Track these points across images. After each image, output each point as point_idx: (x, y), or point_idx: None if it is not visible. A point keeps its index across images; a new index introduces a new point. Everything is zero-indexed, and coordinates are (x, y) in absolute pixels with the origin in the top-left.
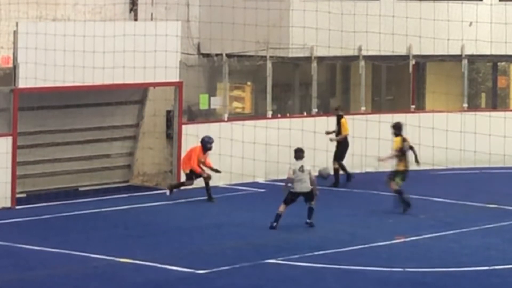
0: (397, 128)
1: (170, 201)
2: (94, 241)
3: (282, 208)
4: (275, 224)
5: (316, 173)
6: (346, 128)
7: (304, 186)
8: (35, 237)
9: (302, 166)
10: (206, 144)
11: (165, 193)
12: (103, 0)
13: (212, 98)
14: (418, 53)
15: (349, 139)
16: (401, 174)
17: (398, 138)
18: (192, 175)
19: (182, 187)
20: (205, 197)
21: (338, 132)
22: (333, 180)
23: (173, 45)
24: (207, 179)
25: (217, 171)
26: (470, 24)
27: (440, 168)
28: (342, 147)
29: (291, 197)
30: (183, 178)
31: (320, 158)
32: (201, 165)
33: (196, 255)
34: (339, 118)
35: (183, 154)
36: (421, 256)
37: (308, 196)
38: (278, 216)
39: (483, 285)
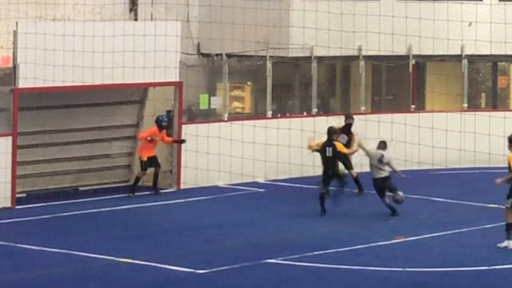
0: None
1: (170, 201)
2: (94, 241)
3: (386, 201)
4: (396, 213)
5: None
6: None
7: (381, 172)
8: (35, 237)
9: (382, 156)
10: (160, 122)
11: (161, 193)
12: (103, 0)
13: (212, 98)
14: (418, 53)
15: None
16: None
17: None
18: (146, 164)
19: (138, 182)
20: (153, 191)
21: (349, 142)
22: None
23: (173, 45)
24: (157, 169)
25: (182, 141)
26: (470, 24)
27: (440, 168)
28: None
29: (377, 187)
30: (184, 176)
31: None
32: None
33: (196, 255)
34: (349, 127)
35: (182, 154)
36: (421, 256)
37: (387, 184)
38: (390, 207)
39: (483, 285)
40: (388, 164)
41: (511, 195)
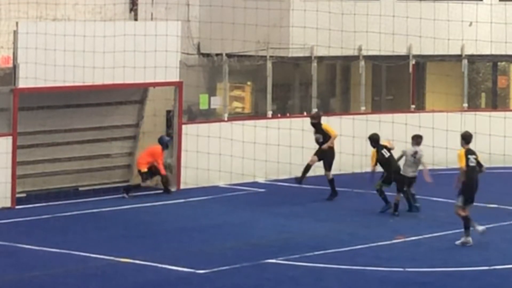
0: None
1: (170, 201)
2: (94, 241)
3: (397, 196)
4: (396, 213)
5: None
6: (332, 130)
7: (413, 172)
8: (35, 237)
9: (415, 153)
10: (167, 143)
11: (144, 186)
12: (103, 0)
13: (212, 98)
14: (418, 53)
15: (350, 139)
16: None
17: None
18: (148, 175)
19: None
20: (162, 191)
21: (324, 138)
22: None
23: (173, 45)
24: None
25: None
26: (470, 24)
27: (440, 168)
28: (331, 154)
29: (400, 179)
30: (185, 176)
31: None
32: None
33: (196, 255)
34: (317, 125)
35: (183, 154)
36: (421, 256)
37: (411, 183)
38: (396, 205)
39: (483, 285)
40: (419, 160)
41: (460, 193)
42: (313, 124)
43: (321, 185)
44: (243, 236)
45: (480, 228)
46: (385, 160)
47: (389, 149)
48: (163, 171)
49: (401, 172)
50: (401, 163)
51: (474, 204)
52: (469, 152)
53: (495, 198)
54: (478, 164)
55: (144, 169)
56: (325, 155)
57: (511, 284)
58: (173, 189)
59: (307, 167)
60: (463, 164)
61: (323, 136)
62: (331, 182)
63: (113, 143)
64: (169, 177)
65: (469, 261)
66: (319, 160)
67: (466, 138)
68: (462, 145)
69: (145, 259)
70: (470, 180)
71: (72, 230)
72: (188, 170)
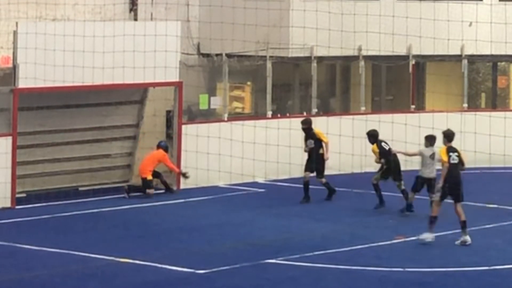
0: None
1: (170, 201)
2: (94, 241)
3: (411, 195)
4: (408, 213)
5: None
6: (324, 136)
7: (431, 172)
8: (35, 237)
9: (433, 154)
10: (165, 147)
11: (150, 194)
12: (103, 0)
13: (212, 98)
14: (418, 53)
15: (349, 139)
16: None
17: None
18: (152, 183)
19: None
20: (164, 190)
21: (316, 144)
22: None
23: (173, 45)
24: (161, 177)
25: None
26: (470, 24)
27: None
28: (322, 161)
29: (419, 182)
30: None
31: None
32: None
33: (196, 255)
34: (308, 131)
35: (182, 154)
36: (421, 256)
37: (432, 185)
38: (409, 206)
39: (483, 285)
40: (438, 161)
41: (439, 189)
42: (303, 130)
43: (321, 185)
44: (243, 236)
45: (428, 238)
46: (386, 152)
47: (387, 143)
48: (176, 169)
49: (418, 174)
50: (401, 162)
51: (475, 204)
52: (450, 149)
53: (495, 198)
54: (460, 162)
55: (149, 177)
56: (317, 162)
57: (511, 284)
58: (175, 188)
59: (306, 185)
60: (446, 159)
61: (314, 141)
62: (326, 184)
63: (113, 143)
64: (183, 173)
65: (469, 261)
66: (312, 172)
67: (448, 136)
68: (444, 143)
69: (145, 259)
70: (451, 177)
71: (72, 230)
72: (188, 170)
